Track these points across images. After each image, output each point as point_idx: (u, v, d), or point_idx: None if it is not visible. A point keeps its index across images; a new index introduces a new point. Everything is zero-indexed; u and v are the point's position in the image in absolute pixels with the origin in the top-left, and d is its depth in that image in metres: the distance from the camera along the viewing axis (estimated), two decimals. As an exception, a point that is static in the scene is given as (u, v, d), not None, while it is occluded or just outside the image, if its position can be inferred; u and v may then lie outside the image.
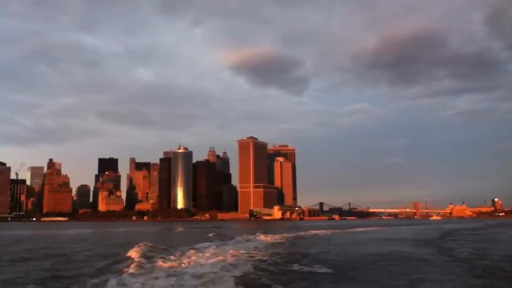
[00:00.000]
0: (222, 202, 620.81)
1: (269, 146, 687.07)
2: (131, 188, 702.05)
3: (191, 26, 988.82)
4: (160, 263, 36.22)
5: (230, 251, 47.66)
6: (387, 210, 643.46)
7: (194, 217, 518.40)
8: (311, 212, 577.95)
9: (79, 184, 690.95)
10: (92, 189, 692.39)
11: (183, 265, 34.70)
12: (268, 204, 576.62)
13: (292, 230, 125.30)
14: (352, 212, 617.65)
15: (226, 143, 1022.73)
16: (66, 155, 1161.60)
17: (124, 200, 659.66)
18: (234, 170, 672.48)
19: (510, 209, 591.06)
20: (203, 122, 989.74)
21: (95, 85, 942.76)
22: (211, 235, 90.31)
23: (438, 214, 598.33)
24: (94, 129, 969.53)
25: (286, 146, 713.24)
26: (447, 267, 35.17)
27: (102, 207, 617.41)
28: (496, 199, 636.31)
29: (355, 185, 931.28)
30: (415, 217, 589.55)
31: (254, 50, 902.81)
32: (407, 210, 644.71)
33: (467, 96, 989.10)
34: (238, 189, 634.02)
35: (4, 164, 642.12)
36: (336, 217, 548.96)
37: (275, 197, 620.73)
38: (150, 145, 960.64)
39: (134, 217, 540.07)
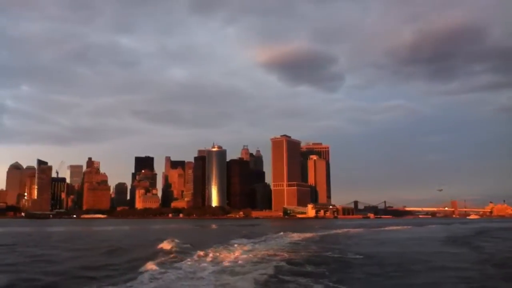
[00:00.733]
0: (255, 200, 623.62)
1: (303, 144, 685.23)
2: (167, 186, 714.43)
3: (224, 24, 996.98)
4: (191, 257, 38.09)
5: (261, 248, 49.12)
6: (424, 209, 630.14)
7: (229, 215, 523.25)
8: (346, 211, 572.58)
9: (116, 182, 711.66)
10: (129, 187, 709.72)
11: (211, 261, 36.27)
12: (302, 202, 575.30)
13: (325, 228, 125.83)
14: (387, 211, 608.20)
15: (259, 141, 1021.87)
16: (104, 154, 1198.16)
17: (160, 198, 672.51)
18: (268, 168, 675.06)
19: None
20: (237, 120, 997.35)
21: (130, 84, 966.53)
22: (244, 232, 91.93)
23: (477, 213, 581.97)
24: (130, 128, 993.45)
25: (320, 144, 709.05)
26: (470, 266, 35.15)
27: (139, 204, 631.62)
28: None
29: (391, 183, 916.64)
30: (453, 216, 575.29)
31: (287, 47, 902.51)
32: (445, 209, 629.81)
33: (508, 91, 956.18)
34: (272, 187, 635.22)
35: (45, 163, 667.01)
36: (371, 215, 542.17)
37: (309, 195, 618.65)
38: (184, 144, 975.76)
39: (170, 215, 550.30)
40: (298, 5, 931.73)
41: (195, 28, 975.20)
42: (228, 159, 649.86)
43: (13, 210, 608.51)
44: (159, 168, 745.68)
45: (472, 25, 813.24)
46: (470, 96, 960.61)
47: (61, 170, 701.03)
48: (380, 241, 71.77)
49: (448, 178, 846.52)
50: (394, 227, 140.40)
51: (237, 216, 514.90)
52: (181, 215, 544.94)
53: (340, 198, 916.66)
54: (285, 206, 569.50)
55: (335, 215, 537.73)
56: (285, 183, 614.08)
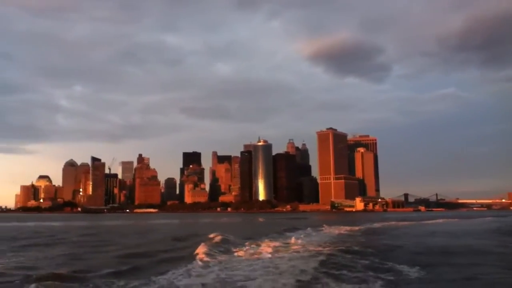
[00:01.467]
0: (302, 193, 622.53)
1: (349, 137, 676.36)
2: (214, 181, 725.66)
3: (268, 18, 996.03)
4: (241, 247, 39.65)
5: (307, 240, 49.99)
6: (479, 201, 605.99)
7: (276, 209, 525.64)
8: (395, 204, 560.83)
9: (166, 177, 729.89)
10: (178, 182, 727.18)
11: (256, 253, 37.53)
12: (350, 195, 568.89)
13: (374, 221, 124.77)
14: (439, 203, 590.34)
15: (305, 134, 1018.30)
16: (153, 150, 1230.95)
17: (208, 192, 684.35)
18: (314, 162, 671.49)
19: None
20: (282, 114, 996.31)
21: (177, 82, 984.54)
22: (290, 225, 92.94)
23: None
24: (178, 124, 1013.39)
25: (367, 136, 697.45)
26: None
27: (188, 199, 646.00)
28: None
29: (443, 175, 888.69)
30: (511, 208, 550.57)
31: (332, 39, 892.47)
32: (502, 201, 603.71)
33: None
34: (319, 181, 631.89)
35: (99, 160, 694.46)
36: (422, 208, 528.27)
37: (357, 188, 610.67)
38: (230, 138, 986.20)
39: (218, 209, 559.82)
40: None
41: (239, 23, 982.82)
42: (274, 153, 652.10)
43: (70, 205, 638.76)
44: (206, 163, 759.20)
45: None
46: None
47: (113, 166, 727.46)
48: (426, 233, 70.78)
49: (504, 169, 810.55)
50: (440, 220, 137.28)
51: (284, 209, 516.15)
52: (229, 209, 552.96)
53: (389, 191, 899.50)
54: (333, 199, 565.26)
55: (385, 208, 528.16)
56: (332, 176, 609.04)
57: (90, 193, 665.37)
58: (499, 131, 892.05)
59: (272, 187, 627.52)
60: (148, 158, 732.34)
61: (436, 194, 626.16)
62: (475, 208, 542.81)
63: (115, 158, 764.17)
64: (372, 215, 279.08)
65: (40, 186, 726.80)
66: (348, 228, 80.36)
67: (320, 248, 39.80)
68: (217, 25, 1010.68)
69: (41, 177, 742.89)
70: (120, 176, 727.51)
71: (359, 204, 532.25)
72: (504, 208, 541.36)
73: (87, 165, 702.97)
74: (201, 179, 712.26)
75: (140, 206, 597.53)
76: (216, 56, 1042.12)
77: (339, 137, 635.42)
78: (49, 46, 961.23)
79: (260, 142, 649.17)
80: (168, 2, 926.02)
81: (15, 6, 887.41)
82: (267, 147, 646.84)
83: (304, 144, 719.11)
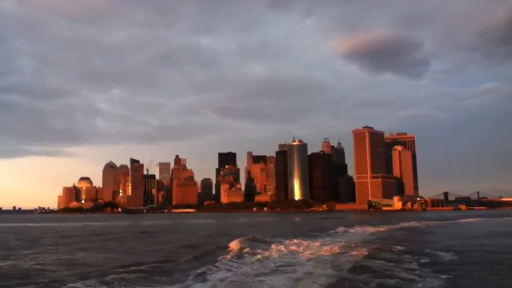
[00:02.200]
0: (338, 193, 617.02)
1: (386, 135, 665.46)
2: (250, 181, 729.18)
3: (302, 17, 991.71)
4: (278, 245, 40.78)
5: (342, 240, 50.64)
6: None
7: (312, 208, 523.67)
8: (435, 202, 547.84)
9: (202, 178, 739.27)
10: (214, 182, 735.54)
11: (294, 249, 38.61)
12: (387, 194, 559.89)
13: (412, 220, 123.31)
14: (481, 202, 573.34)
15: (340, 133, 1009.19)
16: (189, 151, 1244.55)
17: (243, 192, 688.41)
18: (350, 161, 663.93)
19: None
20: (317, 113, 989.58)
21: (212, 83, 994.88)
22: (325, 224, 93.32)
23: None
24: (213, 125, 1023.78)
25: (405, 134, 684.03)
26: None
27: (224, 199, 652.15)
28: None
29: (484, 173, 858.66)
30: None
31: (368, 36, 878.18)
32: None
33: None
34: (355, 180, 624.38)
35: (137, 161, 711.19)
36: (463, 207, 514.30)
37: (394, 187, 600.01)
38: (265, 138, 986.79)
39: (254, 208, 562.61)
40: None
41: (272, 23, 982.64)
42: (309, 152, 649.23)
43: (111, 206, 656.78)
44: (242, 163, 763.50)
45: None
46: None
47: (151, 167, 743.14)
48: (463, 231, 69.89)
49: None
50: (474, 219, 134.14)
51: (321, 209, 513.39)
52: (265, 208, 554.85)
53: (428, 189, 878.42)
54: (370, 198, 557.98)
55: (423, 207, 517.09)
56: (368, 175, 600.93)
57: (130, 194, 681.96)
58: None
59: (307, 187, 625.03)
60: (185, 159, 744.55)
61: (478, 193, 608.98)
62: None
63: (153, 160, 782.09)
64: (411, 214, 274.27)
65: (82, 187, 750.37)
66: (386, 227, 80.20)
67: (353, 248, 40.44)
68: (251, 26, 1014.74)
69: (82, 178, 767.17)
70: (157, 177, 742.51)
71: (397, 203, 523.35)
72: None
73: (126, 166, 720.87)
74: (236, 179, 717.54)
75: (178, 206, 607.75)
76: (250, 57, 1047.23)
77: (375, 136, 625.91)
78: (89, 51, 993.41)
79: (295, 141, 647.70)
80: (202, 4, 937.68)
81: (56, 14, 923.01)
82: (302, 146, 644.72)
83: (339, 143, 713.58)
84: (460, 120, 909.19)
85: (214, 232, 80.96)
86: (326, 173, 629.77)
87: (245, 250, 38.10)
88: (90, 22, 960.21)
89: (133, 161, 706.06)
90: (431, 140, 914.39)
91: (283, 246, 42.33)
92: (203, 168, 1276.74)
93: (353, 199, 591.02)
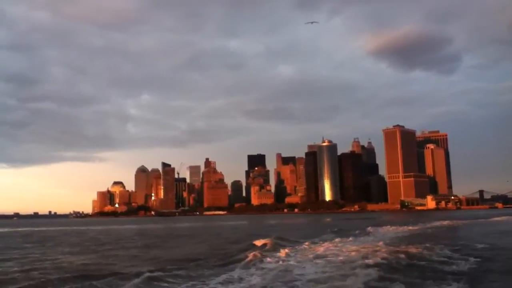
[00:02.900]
0: (370, 193, 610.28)
1: (418, 133, 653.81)
2: (279, 182, 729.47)
3: (329, 16, 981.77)
4: (310, 245, 41.72)
5: (372, 239, 51.06)
6: None
7: (343, 209, 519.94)
8: (469, 201, 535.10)
9: (232, 180, 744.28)
10: (244, 184, 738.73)
11: (324, 251, 39.45)
12: (420, 193, 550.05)
13: (446, 219, 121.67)
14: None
15: (370, 132, 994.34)
16: (218, 153, 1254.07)
17: (273, 193, 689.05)
18: (381, 160, 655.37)
19: None
20: (346, 113, 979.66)
21: (240, 85, 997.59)
22: (356, 225, 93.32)
23: None
24: (242, 127, 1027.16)
25: (437, 132, 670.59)
26: None
27: (254, 200, 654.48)
28: None
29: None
30: None
31: (397, 32, 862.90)
32: None
33: None
34: (387, 179, 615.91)
35: (169, 165, 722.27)
36: (499, 205, 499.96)
37: (427, 186, 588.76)
38: (294, 139, 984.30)
39: (285, 210, 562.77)
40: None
41: (299, 24, 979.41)
42: (339, 152, 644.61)
43: (144, 209, 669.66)
44: (271, 165, 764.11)
45: None
46: None
47: (181, 171, 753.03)
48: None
49: None
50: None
51: (352, 209, 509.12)
52: (296, 210, 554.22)
53: (462, 188, 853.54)
54: (402, 198, 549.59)
55: (458, 206, 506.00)
56: (400, 174, 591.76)
57: (162, 197, 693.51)
58: None
59: (338, 187, 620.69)
60: (215, 162, 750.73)
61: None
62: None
63: (183, 163, 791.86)
64: (445, 213, 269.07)
65: (115, 191, 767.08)
66: (419, 226, 79.90)
67: (383, 248, 40.95)
68: (278, 27, 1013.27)
69: (115, 183, 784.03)
70: (188, 180, 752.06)
71: (430, 202, 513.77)
72: None
73: (157, 170, 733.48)
74: (266, 181, 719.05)
75: (209, 208, 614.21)
76: (278, 58, 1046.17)
77: (407, 134, 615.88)
78: (119, 58, 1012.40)
79: (324, 142, 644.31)
80: (229, 7, 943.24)
81: (86, 22, 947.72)
82: (332, 147, 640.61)
83: (370, 143, 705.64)
84: (495, 116, 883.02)
85: (246, 233, 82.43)
86: (357, 173, 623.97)
87: (273, 250, 39.76)
88: (119, 29, 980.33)
89: (165, 165, 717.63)
90: (464, 137, 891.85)
91: (314, 246, 43.22)
92: (233, 171, 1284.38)
93: (385, 199, 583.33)
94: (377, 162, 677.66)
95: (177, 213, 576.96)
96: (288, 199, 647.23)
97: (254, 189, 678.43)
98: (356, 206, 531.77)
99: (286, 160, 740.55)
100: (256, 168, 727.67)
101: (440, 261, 32.08)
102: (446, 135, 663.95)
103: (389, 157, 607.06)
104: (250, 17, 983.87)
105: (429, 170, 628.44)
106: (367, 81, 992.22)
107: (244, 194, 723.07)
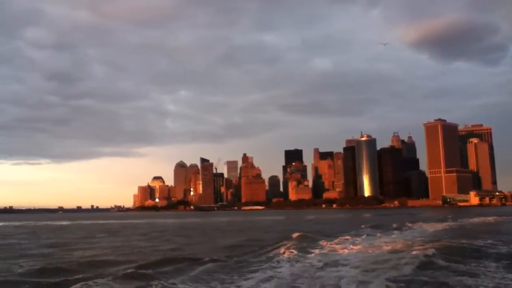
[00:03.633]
0: (410, 188, 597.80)
1: (460, 127, 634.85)
2: (317, 177, 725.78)
3: (366, 8, 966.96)
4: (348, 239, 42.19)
5: (410, 236, 50.80)
6: None
7: (383, 205, 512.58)
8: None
9: (268, 175, 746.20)
10: (281, 179, 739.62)
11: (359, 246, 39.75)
12: (463, 189, 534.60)
13: (490, 215, 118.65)
14: None
15: (410, 125, 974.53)
16: (255, 148, 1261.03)
17: (311, 189, 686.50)
18: (422, 155, 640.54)
19: None
20: (384, 106, 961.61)
21: (276, 80, 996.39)
22: (399, 221, 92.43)
23: None
24: (278, 122, 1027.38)
25: (480, 125, 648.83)
26: None
27: (292, 196, 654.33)
28: None
29: None
30: None
31: (437, 22, 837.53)
32: None
33: None
34: (428, 175, 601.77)
35: (207, 160, 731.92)
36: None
37: (470, 181, 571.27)
38: (331, 134, 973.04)
39: (323, 205, 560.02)
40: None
41: (335, 16, 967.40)
42: (378, 147, 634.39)
43: (183, 204, 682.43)
44: (308, 159, 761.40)
45: None
46: None
47: (219, 166, 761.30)
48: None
49: None
50: None
51: (392, 205, 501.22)
52: (334, 205, 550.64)
53: (508, 183, 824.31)
54: (444, 194, 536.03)
55: (503, 202, 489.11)
56: (442, 169, 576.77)
57: (201, 192, 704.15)
58: None
59: (377, 183, 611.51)
60: (252, 157, 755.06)
61: None
62: None
63: (221, 158, 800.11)
64: (489, 209, 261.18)
65: (155, 186, 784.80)
66: (461, 222, 78.57)
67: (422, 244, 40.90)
68: (313, 20, 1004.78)
69: (155, 178, 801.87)
70: (225, 175, 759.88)
71: (473, 198, 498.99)
72: None
73: (196, 165, 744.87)
74: (304, 176, 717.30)
75: (247, 203, 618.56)
76: (313, 51, 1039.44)
77: (448, 128, 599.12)
78: (156, 54, 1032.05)
79: (363, 137, 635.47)
80: (264, 1, 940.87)
81: (125, 20, 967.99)
82: (371, 142, 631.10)
83: (410, 137, 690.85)
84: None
85: (285, 227, 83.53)
86: (397, 169, 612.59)
87: (312, 242, 40.52)
88: (156, 26, 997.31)
89: (203, 160, 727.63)
90: (510, 130, 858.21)
91: (354, 239, 43.66)
92: (269, 165, 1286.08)
93: (426, 195, 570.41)
94: (418, 157, 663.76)
95: (215, 208, 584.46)
96: (326, 195, 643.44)
97: (291, 184, 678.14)
98: (396, 202, 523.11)
99: (323, 155, 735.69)
100: (293, 163, 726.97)
101: (481, 245, 32.45)
102: (490, 129, 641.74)
103: (430, 151, 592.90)
104: (286, 11, 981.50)
105: (472, 165, 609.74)
106: (406, 72, 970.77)
107: (281, 189, 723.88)
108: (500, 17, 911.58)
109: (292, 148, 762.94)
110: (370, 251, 34.96)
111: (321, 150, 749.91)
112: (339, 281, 23.95)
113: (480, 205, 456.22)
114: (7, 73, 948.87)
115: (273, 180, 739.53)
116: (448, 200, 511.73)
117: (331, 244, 40.18)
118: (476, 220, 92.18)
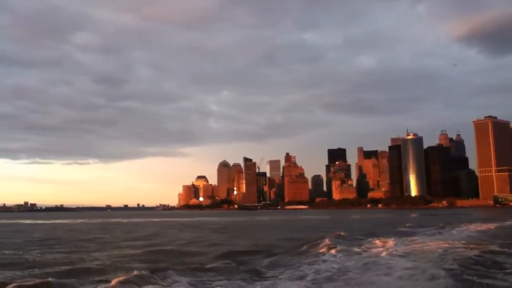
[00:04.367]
0: (459, 188, 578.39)
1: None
2: (361, 177, 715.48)
3: (412, 3, 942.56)
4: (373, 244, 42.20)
5: (456, 237, 49.83)
6: None
7: (430, 205, 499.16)
8: None
9: (312, 175, 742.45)
10: (324, 178, 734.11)
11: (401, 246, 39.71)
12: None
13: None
14: None
15: (458, 123, 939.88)
16: (297, 147, 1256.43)
17: (355, 188, 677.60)
18: (471, 153, 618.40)
19: None
20: (430, 103, 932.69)
21: (318, 78, 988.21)
22: (449, 221, 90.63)
23: None
24: (320, 121, 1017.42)
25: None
26: None
27: (336, 195, 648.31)
28: None
29: None
30: None
31: (486, 16, 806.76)
32: None
33: None
34: (478, 174, 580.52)
35: (250, 159, 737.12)
36: None
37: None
38: (375, 132, 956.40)
39: (368, 205, 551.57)
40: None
41: (380, 13, 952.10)
42: (425, 145, 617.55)
43: (227, 203, 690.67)
44: (352, 159, 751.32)
45: None
46: None
47: (262, 165, 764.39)
48: None
49: None
50: None
51: (440, 205, 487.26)
52: (379, 205, 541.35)
53: None
54: (495, 194, 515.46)
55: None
56: (493, 168, 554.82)
57: (244, 191, 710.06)
58: None
59: (424, 182, 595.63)
60: (295, 156, 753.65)
61: None
62: None
63: (263, 157, 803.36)
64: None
65: (199, 185, 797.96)
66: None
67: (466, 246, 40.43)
68: (356, 18, 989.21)
69: (199, 177, 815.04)
70: (268, 174, 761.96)
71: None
72: None
73: (239, 165, 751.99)
74: (348, 175, 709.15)
75: (290, 203, 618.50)
76: (357, 49, 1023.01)
77: (500, 126, 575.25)
78: (198, 56, 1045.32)
79: (409, 135, 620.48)
80: (305, 1, 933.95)
81: (168, 23, 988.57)
82: (417, 140, 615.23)
83: (458, 135, 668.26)
84: None
85: (330, 226, 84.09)
86: (445, 168, 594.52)
87: (356, 240, 41.11)
88: (199, 28, 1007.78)
89: (246, 160, 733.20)
90: None
91: (399, 239, 43.66)
92: (312, 165, 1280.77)
93: (476, 195, 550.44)
94: (467, 155, 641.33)
95: (259, 207, 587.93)
96: (371, 194, 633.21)
97: (335, 184, 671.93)
98: (444, 202, 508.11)
99: (368, 154, 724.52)
100: (337, 162, 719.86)
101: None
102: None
103: (480, 150, 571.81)
104: (328, 9, 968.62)
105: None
106: (453, 69, 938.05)
107: (324, 188, 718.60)
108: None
109: (335, 147, 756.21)
110: (413, 249, 35.05)
111: (365, 149, 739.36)
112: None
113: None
114: (57, 76, 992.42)
115: (316, 179, 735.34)
116: (500, 200, 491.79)
117: (377, 242, 40.43)
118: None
